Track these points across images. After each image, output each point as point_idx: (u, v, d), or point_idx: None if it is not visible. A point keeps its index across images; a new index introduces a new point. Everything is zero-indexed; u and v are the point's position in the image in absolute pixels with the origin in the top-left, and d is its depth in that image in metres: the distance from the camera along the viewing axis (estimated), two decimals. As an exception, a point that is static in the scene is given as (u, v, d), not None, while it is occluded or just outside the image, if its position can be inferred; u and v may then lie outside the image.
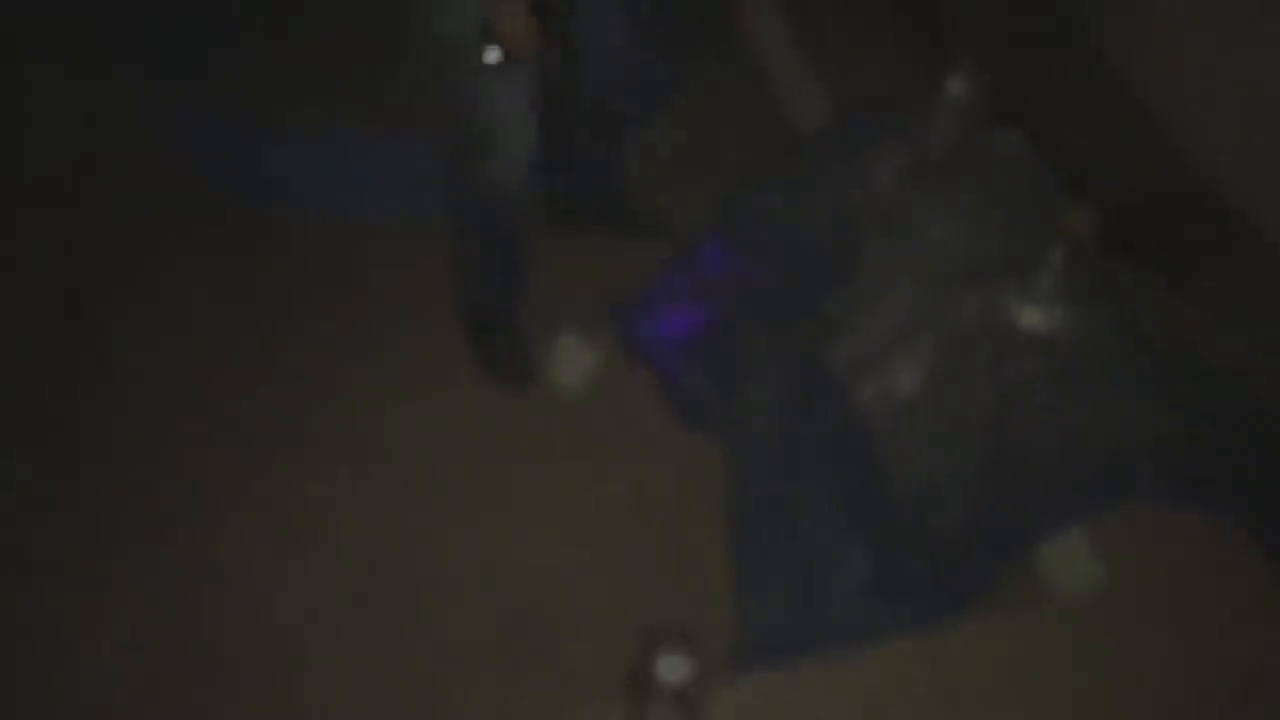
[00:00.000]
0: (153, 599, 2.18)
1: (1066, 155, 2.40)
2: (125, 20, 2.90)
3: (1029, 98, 2.51)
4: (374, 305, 2.64)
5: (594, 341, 2.49)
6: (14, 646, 2.10)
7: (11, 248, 2.70)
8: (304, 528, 2.28)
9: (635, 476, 2.32)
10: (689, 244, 2.60)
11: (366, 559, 2.24)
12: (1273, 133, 2.01)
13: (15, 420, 2.42)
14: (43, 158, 2.87)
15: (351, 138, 2.77)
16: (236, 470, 2.35)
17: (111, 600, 2.17)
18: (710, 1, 3.08)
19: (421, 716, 2.05)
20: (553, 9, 1.92)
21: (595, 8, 2.19)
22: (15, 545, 2.23)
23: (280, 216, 2.78)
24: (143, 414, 2.46)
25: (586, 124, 2.47)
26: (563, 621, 2.14)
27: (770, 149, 2.73)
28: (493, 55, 1.96)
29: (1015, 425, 2.11)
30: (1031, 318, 2.18)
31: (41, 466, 2.36)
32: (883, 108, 2.55)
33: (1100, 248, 2.14)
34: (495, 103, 2.09)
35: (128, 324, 2.60)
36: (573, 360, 2.48)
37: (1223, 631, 1.74)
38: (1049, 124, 2.46)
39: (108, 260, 2.71)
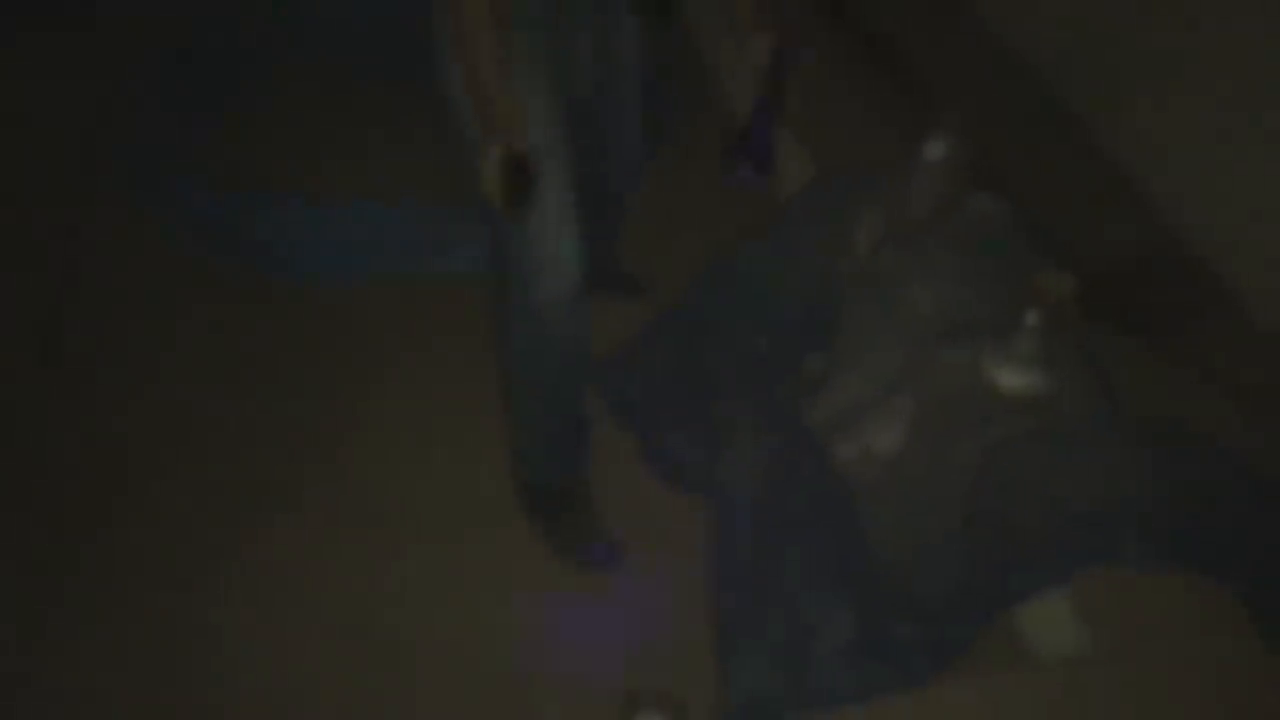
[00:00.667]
0: (129, 654, 2.16)
1: (1045, 219, 2.43)
2: (120, 85, 2.93)
3: (1008, 163, 2.54)
4: (364, 367, 2.65)
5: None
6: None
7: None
8: (280, 592, 2.26)
9: (619, 539, 2.31)
10: (671, 304, 2.62)
11: (349, 620, 2.22)
12: (1250, 197, 2.04)
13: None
14: (28, 217, 2.88)
15: (340, 206, 2.80)
16: (220, 532, 2.34)
17: (94, 656, 2.15)
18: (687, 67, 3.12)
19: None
20: (529, 169, 1.88)
21: (616, 109, 2.22)
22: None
23: (268, 280, 2.79)
24: (122, 468, 2.44)
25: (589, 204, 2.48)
26: (542, 685, 2.12)
27: (752, 211, 2.75)
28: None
29: (997, 486, 2.11)
30: (1011, 379, 2.19)
31: (14, 522, 2.34)
32: (863, 171, 2.57)
33: (1079, 311, 2.15)
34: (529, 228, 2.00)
35: (108, 383, 2.60)
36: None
37: (1208, 692, 1.73)
38: (1027, 189, 2.49)
39: (91, 323, 2.71)
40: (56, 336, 2.63)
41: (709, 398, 2.43)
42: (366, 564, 2.30)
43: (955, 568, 2.05)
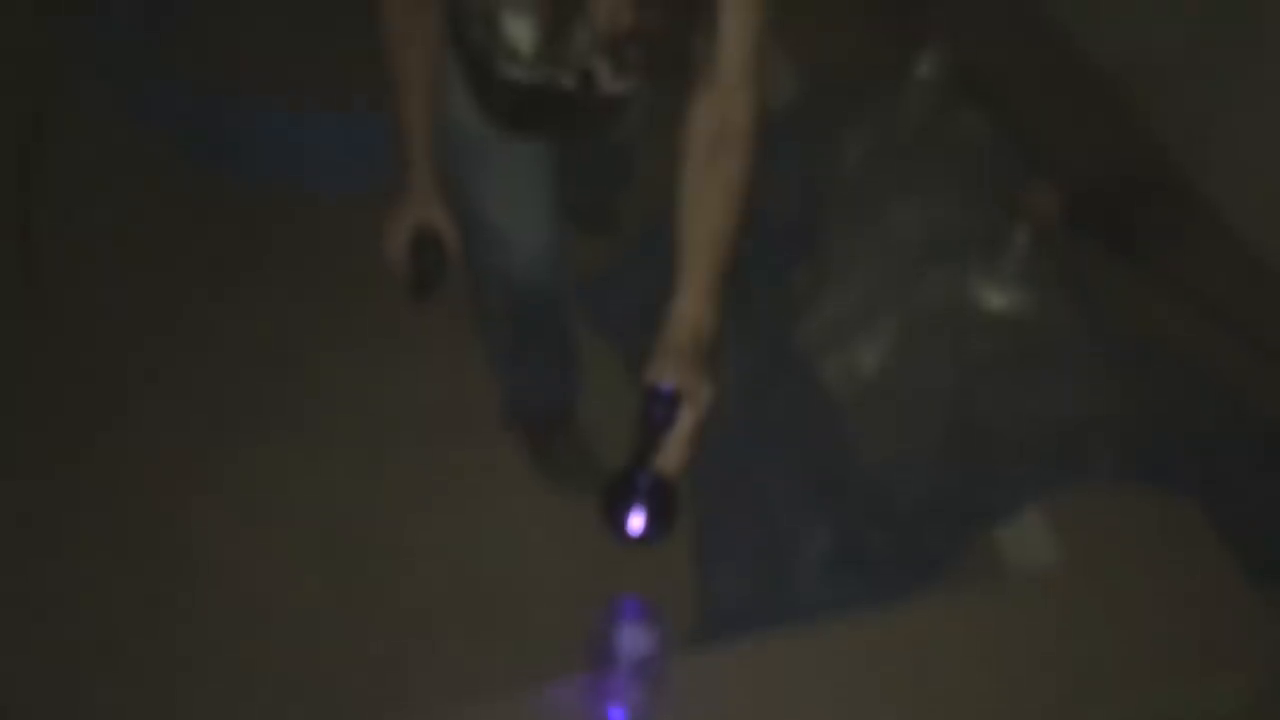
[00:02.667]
0: (119, 555, 2.18)
1: (1032, 137, 2.42)
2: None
3: (996, 79, 2.52)
4: (338, 280, 2.63)
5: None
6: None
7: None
8: (266, 499, 2.27)
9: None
10: (654, 224, 2.60)
11: (329, 528, 2.24)
12: (1236, 118, 2.04)
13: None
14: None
15: (317, 111, 2.74)
16: (197, 442, 2.34)
17: (77, 557, 2.17)
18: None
19: (382, 681, 2.05)
20: (431, 250, 1.75)
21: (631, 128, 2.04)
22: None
23: (241, 186, 2.75)
24: (94, 384, 2.44)
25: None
26: (526, 591, 2.15)
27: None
28: None
29: (977, 404, 2.13)
30: (994, 298, 2.20)
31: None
32: (850, 86, 2.55)
33: (1064, 230, 2.16)
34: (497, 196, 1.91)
35: (79, 291, 2.58)
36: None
37: (1176, 603, 1.77)
38: (1016, 105, 2.48)
39: (64, 224, 2.68)
40: (32, 249, 2.59)
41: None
42: (352, 472, 2.31)
43: (935, 482, 2.07)
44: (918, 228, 2.33)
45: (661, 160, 1.63)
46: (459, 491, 2.29)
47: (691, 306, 1.60)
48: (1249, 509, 1.94)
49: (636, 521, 1.48)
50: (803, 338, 2.33)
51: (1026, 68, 2.53)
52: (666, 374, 1.50)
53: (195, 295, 2.60)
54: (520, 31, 1.53)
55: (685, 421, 1.48)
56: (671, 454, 1.48)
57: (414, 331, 2.52)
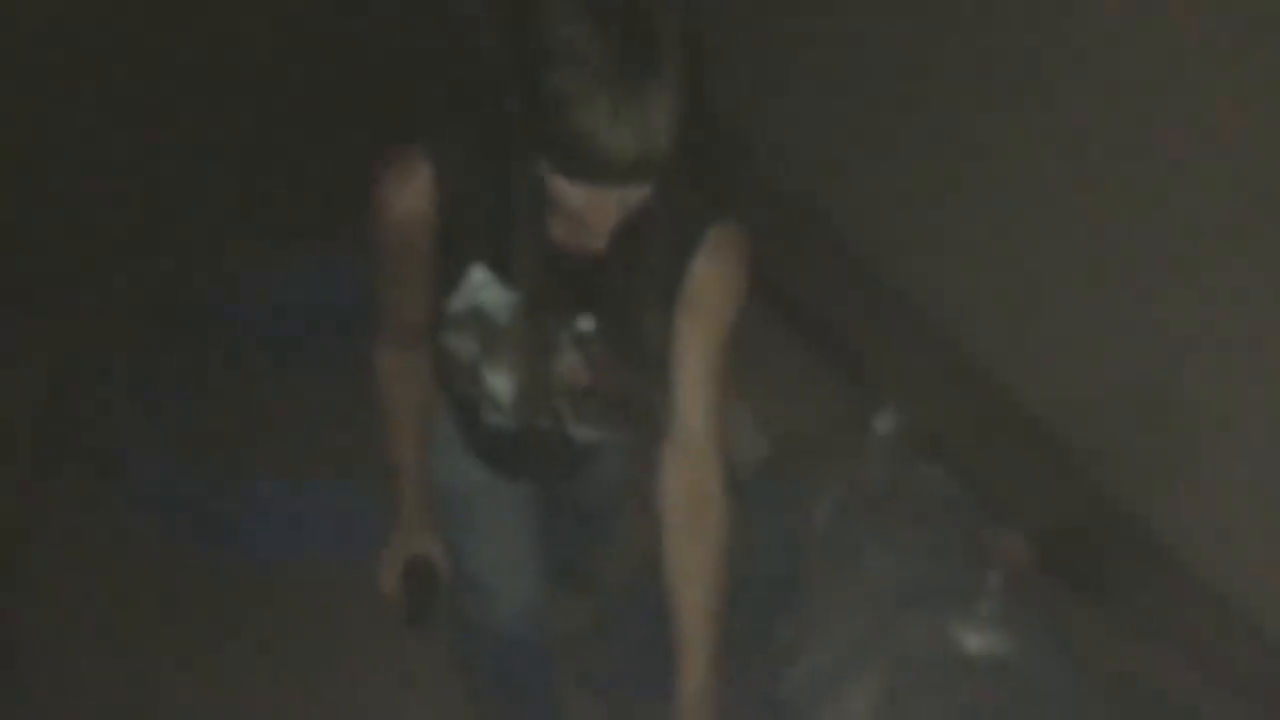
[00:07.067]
0: None
1: (987, 487, 2.57)
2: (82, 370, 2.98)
3: (945, 434, 2.70)
4: (321, 646, 2.63)
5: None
6: None
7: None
8: None
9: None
10: (635, 583, 2.67)
11: None
12: (1183, 463, 2.20)
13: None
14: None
15: (300, 486, 2.83)
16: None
17: None
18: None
19: None
20: (424, 579, 1.85)
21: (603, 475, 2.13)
22: None
23: (230, 560, 2.78)
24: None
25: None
26: None
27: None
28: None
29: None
30: (976, 642, 2.27)
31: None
32: (816, 446, 2.72)
33: (1035, 573, 2.27)
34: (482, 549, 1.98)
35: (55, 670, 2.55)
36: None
37: None
38: (966, 458, 2.64)
39: (45, 609, 2.67)
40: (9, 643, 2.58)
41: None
42: None
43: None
44: (894, 577, 2.43)
45: (640, 522, 1.73)
46: None
47: (702, 682, 1.71)
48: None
49: None
50: (790, 689, 2.37)
51: (975, 424, 2.71)
52: None
53: (177, 675, 2.57)
54: (500, 385, 1.67)
55: None
56: None
57: (401, 698, 2.51)
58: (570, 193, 1.32)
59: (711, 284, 1.56)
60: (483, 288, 1.56)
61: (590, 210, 1.34)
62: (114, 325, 3.06)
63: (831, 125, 2.73)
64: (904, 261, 2.67)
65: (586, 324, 1.60)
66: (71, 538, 2.80)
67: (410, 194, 1.48)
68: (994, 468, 2.61)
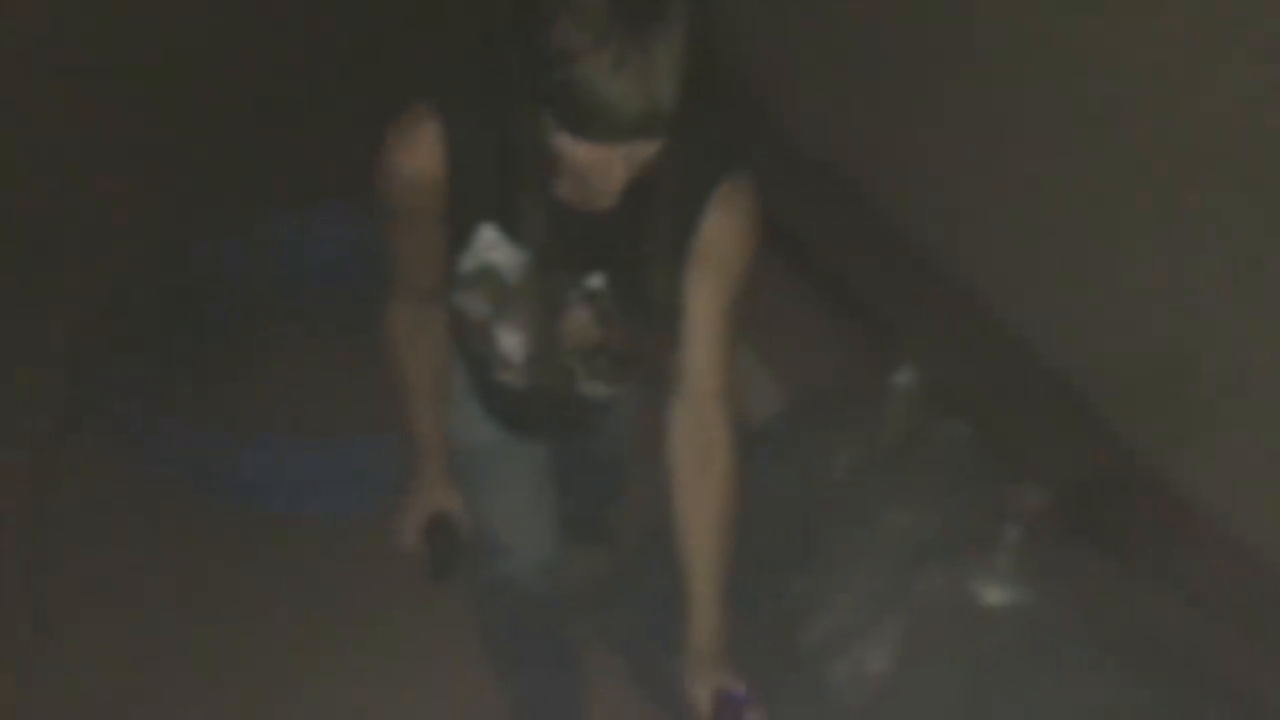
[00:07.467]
0: None
1: (1011, 443, 2.55)
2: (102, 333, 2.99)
3: (968, 392, 2.68)
4: (345, 604, 2.65)
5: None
6: None
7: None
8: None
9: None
10: (649, 535, 2.67)
11: None
12: (1202, 415, 2.18)
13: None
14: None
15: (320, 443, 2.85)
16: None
17: None
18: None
19: None
20: (446, 534, 1.86)
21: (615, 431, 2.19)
22: None
23: (255, 516, 2.81)
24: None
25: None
26: None
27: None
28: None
29: (987, 699, 2.17)
30: (994, 595, 2.27)
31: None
32: (834, 401, 2.71)
33: (1055, 527, 2.26)
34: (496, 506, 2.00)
35: (93, 632, 2.58)
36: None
37: None
38: (990, 415, 2.62)
39: (77, 569, 2.70)
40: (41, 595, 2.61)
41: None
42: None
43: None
44: (911, 532, 2.42)
45: (651, 475, 1.74)
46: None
47: (711, 616, 1.75)
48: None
49: None
50: (807, 644, 2.38)
51: (995, 380, 2.69)
52: (722, 678, 1.66)
53: (197, 630, 2.61)
54: (511, 344, 1.67)
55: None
56: None
57: (419, 653, 2.54)
58: (576, 150, 1.30)
59: (722, 238, 1.55)
60: (493, 247, 1.55)
61: (597, 168, 1.33)
62: (130, 283, 3.06)
63: (850, 78, 2.69)
64: (923, 216, 2.63)
65: (597, 281, 1.59)
66: (89, 492, 2.83)
67: (420, 154, 1.47)
68: (1013, 422, 2.59)
